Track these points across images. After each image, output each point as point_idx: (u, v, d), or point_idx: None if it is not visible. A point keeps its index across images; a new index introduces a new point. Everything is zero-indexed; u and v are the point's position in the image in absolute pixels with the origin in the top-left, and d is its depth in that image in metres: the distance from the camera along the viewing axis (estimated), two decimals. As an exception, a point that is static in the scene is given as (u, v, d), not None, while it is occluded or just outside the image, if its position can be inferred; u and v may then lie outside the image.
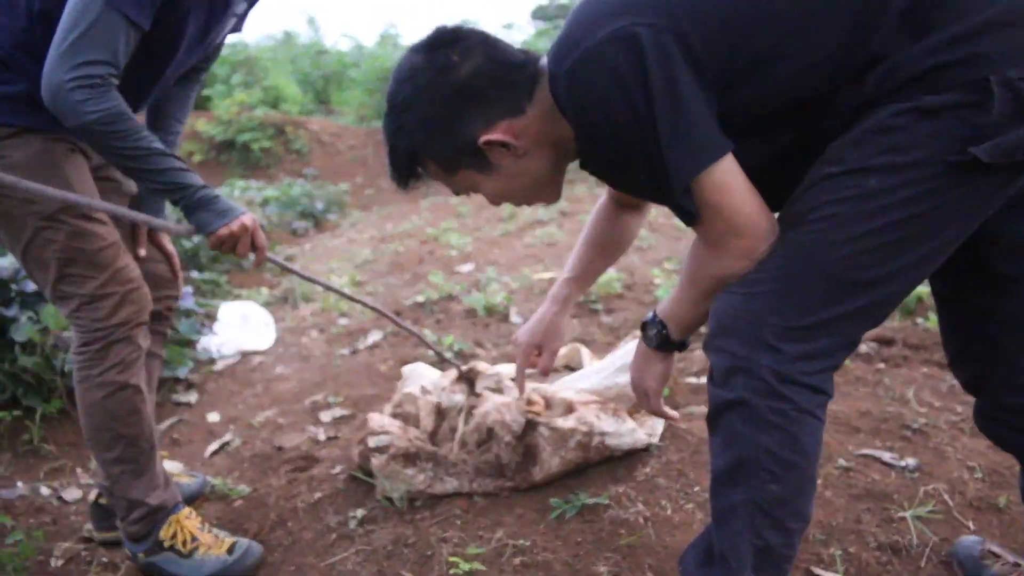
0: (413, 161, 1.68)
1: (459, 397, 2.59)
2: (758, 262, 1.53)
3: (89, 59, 1.80)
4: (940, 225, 1.45)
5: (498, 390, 2.55)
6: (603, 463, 2.40)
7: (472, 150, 1.62)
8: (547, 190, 1.76)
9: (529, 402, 2.42)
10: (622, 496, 2.24)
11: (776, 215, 1.56)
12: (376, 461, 2.41)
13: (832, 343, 1.50)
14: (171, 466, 2.83)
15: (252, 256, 2.14)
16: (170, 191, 1.97)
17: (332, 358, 4.06)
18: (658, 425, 2.49)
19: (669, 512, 2.18)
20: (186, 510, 2.38)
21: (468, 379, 2.61)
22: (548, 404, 2.48)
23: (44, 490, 2.84)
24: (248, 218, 2.05)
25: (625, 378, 2.48)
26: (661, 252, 5.28)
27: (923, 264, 1.49)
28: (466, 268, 5.44)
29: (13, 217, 2.05)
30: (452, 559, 2.04)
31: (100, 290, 2.09)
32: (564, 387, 2.57)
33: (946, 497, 2.20)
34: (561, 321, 2.19)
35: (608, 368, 2.57)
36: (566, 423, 2.34)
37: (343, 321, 4.70)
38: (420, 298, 4.64)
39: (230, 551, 2.31)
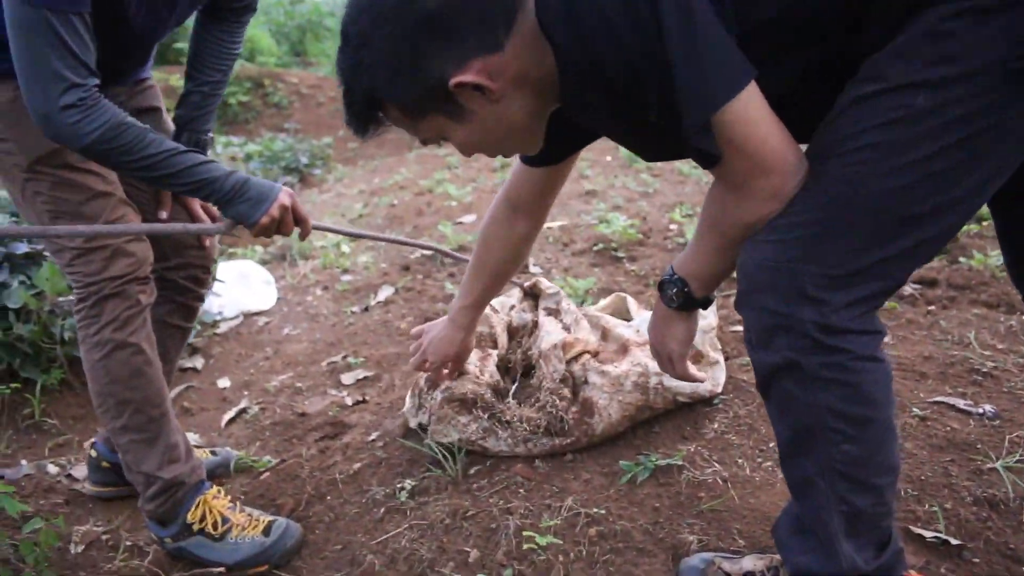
0: (372, 105, 1.42)
1: (528, 315, 2.51)
2: (787, 203, 1.35)
3: (65, 82, 1.71)
4: (1000, 146, 1.26)
5: (556, 311, 2.45)
6: (666, 419, 2.22)
7: (441, 94, 1.36)
8: (525, 139, 1.52)
9: (565, 345, 2.26)
10: (695, 456, 2.07)
11: (803, 148, 1.38)
12: (431, 403, 2.26)
13: (880, 287, 1.33)
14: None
15: (298, 231, 2.04)
16: (198, 189, 1.86)
17: (343, 316, 3.85)
18: (720, 375, 2.31)
19: (748, 472, 2.02)
20: (214, 489, 2.20)
21: (532, 294, 2.55)
22: (605, 335, 2.34)
23: (51, 468, 2.63)
24: (285, 196, 1.95)
25: None
26: (669, 197, 5.09)
27: (982, 190, 1.30)
28: (468, 219, 5.22)
29: (4, 169, 1.99)
30: (526, 533, 1.86)
31: (90, 243, 1.97)
32: (625, 325, 2.41)
33: (1033, 445, 2.04)
34: (470, 342, 2.21)
35: None
36: (618, 368, 2.18)
37: (347, 277, 4.48)
38: (428, 252, 4.42)
39: (266, 532, 2.13)
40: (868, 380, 1.33)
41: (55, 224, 1.95)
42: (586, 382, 2.18)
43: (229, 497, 2.23)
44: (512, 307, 2.59)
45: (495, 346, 2.48)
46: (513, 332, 2.54)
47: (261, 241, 5.72)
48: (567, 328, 2.38)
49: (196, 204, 2.34)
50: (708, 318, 2.34)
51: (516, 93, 1.39)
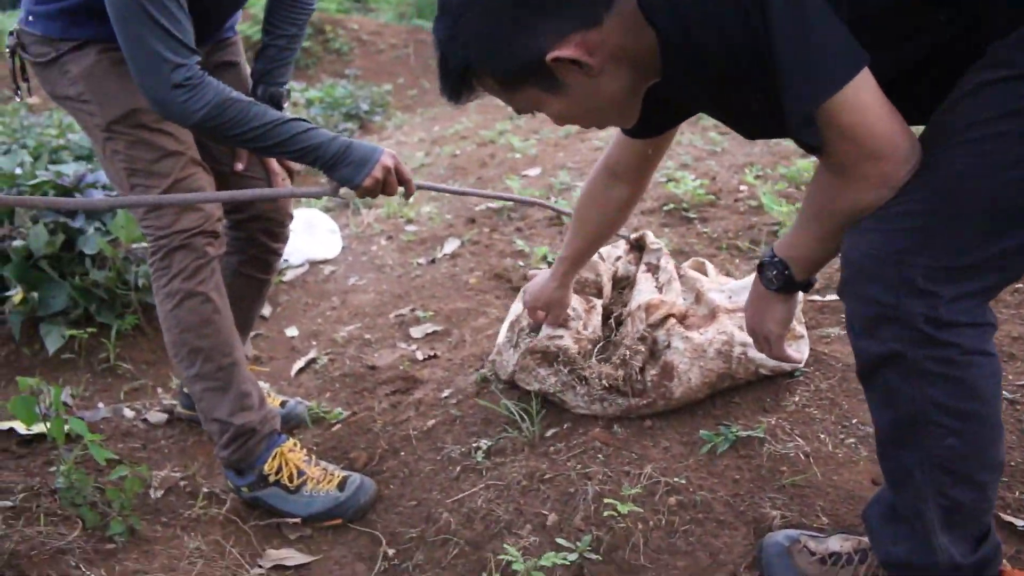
0: (467, 75, 1.39)
1: (632, 268, 2.51)
2: (898, 192, 1.29)
3: (169, 64, 1.80)
4: None
5: (656, 267, 2.44)
6: (747, 390, 2.19)
7: (537, 67, 1.33)
8: (622, 112, 1.49)
9: (650, 307, 2.23)
10: (776, 428, 2.03)
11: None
12: (514, 353, 2.30)
13: (994, 280, 1.28)
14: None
15: (402, 191, 2.10)
16: (303, 155, 1.94)
17: (408, 268, 3.84)
18: (804, 348, 2.27)
19: (830, 448, 1.98)
20: (290, 442, 2.23)
21: (638, 246, 2.57)
22: (697, 298, 2.32)
23: (128, 412, 2.67)
24: (388, 158, 2.00)
25: None
26: (738, 157, 4.98)
27: None
28: (533, 172, 5.17)
29: (87, 129, 2.09)
30: (606, 500, 1.85)
31: None
32: (718, 290, 2.37)
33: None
34: (565, 297, 2.24)
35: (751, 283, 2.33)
36: (703, 335, 2.15)
37: (411, 228, 4.47)
38: (494, 204, 4.39)
39: (341, 487, 2.15)
40: (976, 375, 1.28)
41: (131, 180, 2.05)
42: (668, 346, 2.15)
43: (305, 451, 2.25)
44: (618, 257, 2.60)
45: (599, 295, 2.48)
46: (617, 282, 2.55)
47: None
48: (660, 288, 2.36)
49: (272, 159, 2.37)
50: None
51: (613, 68, 1.36)
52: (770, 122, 1.29)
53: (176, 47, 1.80)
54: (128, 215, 2.95)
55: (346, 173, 1.96)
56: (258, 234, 2.41)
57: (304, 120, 1.96)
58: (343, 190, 2.03)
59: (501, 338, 2.44)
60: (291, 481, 2.15)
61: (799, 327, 2.28)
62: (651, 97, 1.48)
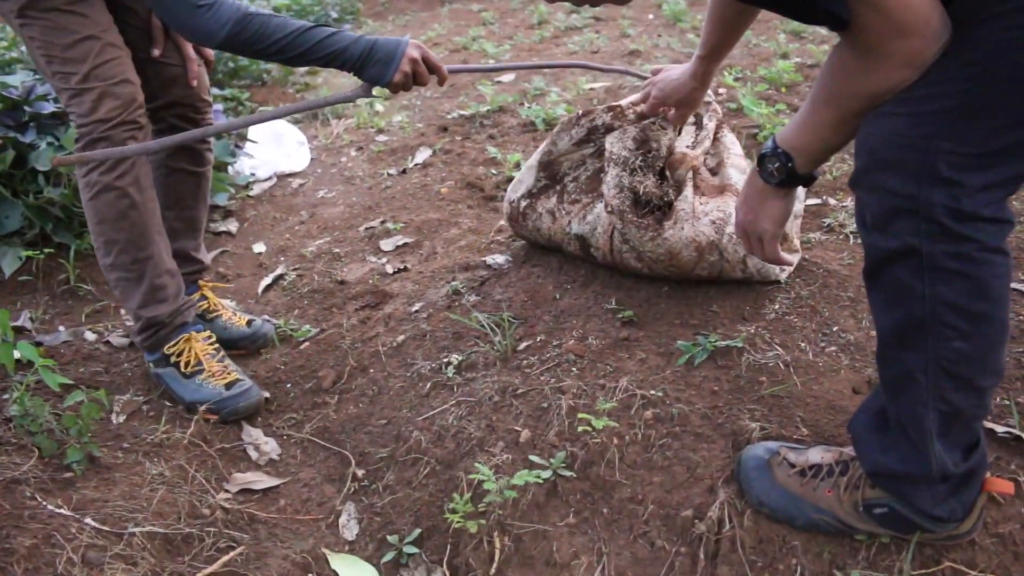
0: None
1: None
2: (924, 73, 1.19)
3: None
4: None
5: (701, 123, 2.42)
6: (725, 298, 2.12)
7: None
8: None
9: (672, 162, 2.24)
10: (755, 337, 1.97)
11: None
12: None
13: (1021, 169, 1.20)
14: (225, 304, 2.57)
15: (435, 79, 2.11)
16: (330, 61, 1.96)
17: (379, 179, 3.72)
18: (794, 259, 2.20)
19: (811, 356, 1.92)
20: (205, 333, 2.32)
21: None
22: (719, 167, 2.31)
23: (89, 335, 2.58)
24: (413, 49, 2.01)
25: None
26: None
27: None
28: (507, 78, 5.02)
29: (5, 18, 2.07)
30: (580, 415, 1.79)
31: (80, 84, 2.03)
32: (739, 167, 2.32)
33: (1108, 334, 1.92)
34: (699, 96, 2.16)
35: None
36: (703, 205, 2.15)
37: (382, 138, 4.33)
38: (466, 111, 4.25)
39: (229, 386, 2.21)
40: (992, 274, 1.22)
41: (50, 68, 2.04)
42: (679, 194, 2.17)
43: (215, 346, 2.30)
44: None
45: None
46: None
47: (290, 97, 5.57)
48: (694, 143, 2.35)
49: (188, 43, 2.32)
50: (799, 201, 2.24)
51: None
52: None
53: None
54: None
55: (375, 72, 1.98)
56: (177, 121, 2.36)
57: (324, 25, 1.97)
58: (375, 88, 2.04)
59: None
60: (187, 367, 2.23)
61: (796, 240, 2.22)
62: None
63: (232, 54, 2.06)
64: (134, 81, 2.10)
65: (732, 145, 2.36)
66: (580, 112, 2.38)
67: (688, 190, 2.15)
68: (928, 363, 1.28)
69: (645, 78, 2.52)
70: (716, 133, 2.38)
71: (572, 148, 2.39)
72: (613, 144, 2.22)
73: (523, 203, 2.41)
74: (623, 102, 2.39)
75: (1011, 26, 1.13)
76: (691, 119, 2.42)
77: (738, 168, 2.28)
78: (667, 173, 2.24)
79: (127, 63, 2.10)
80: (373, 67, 1.98)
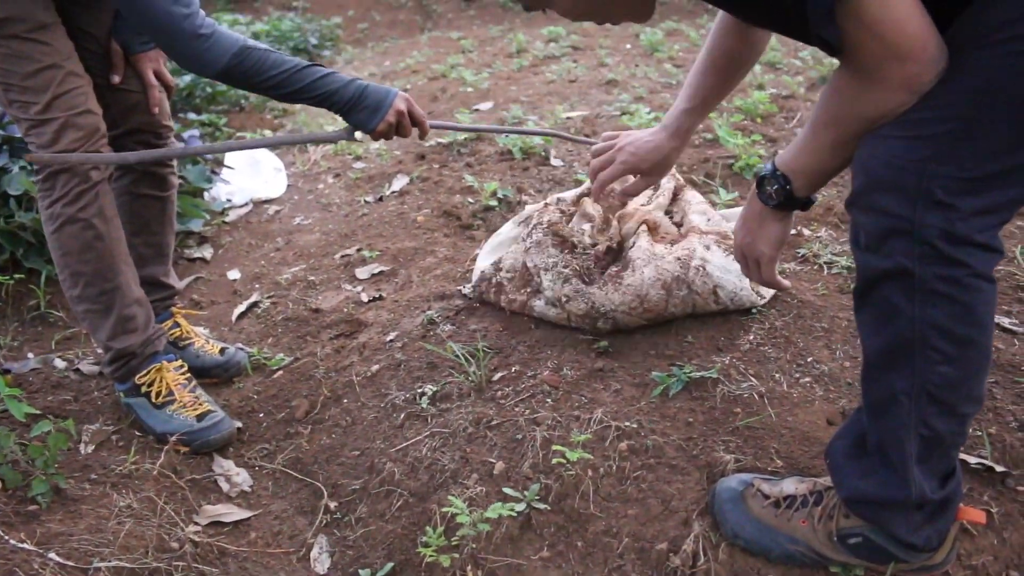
0: None
1: None
2: (922, 97, 1.21)
3: (181, 15, 1.84)
4: None
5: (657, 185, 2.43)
6: (700, 328, 2.12)
7: None
8: (635, 5, 1.43)
9: (622, 216, 2.27)
10: (730, 368, 1.97)
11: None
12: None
13: (1018, 193, 1.22)
14: (198, 331, 2.55)
15: (416, 131, 2.16)
16: (321, 101, 1.99)
17: (356, 206, 3.71)
18: (768, 291, 2.21)
19: (785, 387, 1.92)
20: (177, 362, 2.29)
21: None
22: (683, 219, 2.32)
23: (59, 363, 2.55)
24: (401, 101, 2.06)
25: None
26: (694, 87, 4.88)
27: None
28: (485, 106, 5.03)
29: None
30: (555, 447, 1.77)
31: (41, 115, 1.99)
32: (703, 213, 2.34)
33: (1080, 366, 1.94)
34: (677, 157, 1.96)
35: None
36: (666, 248, 2.17)
37: (359, 165, 4.32)
38: (444, 139, 4.26)
39: (200, 418, 2.18)
40: (980, 300, 1.24)
41: (7, 95, 2.00)
42: (633, 246, 2.18)
43: (187, 376, 2.28)
44: None
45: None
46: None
47: (267, 123, 5.56)
48: (648, 201, 2.37)
49: (148, 69, 2.29)
50: None
51: None
52: (795, 16, 1.22)
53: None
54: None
55: (361, 117, 2.03)
56: (138, 147, 2.33)
57: (320, 65, 2.00)
58: (358, 133, 2.09)
59: (509, 231, 2.49)
60: (158, 397, 2.20)
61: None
62: None
63: (226, 84, 2.04)
64: (96, 111, 2.07)
65: (694, 199, 2.40)
66: (527, 216, 2.45)
67: (643, 240, 2.16)
68: (913, 386, 1.29)
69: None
70: (677, 195, 2.42)
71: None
72: (533, 259, 2.26)
73: (483, 285, 2.43)
74: (568, 195, 2.45)
75: (1006, 53, 1.15)
76: None
77: (701, 213, 2.32)
78: (615, 223, 2.29)
79: (89, 92, 2.07)
80: (361, 112, 2.02)
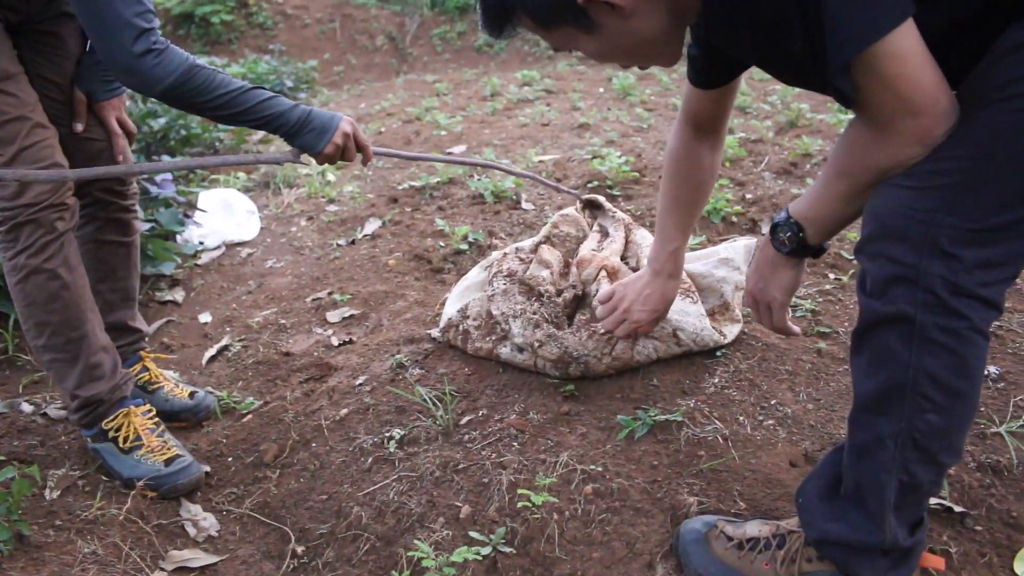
0: (506, 14, 1.42)
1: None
2: (933, 150, 1.25)
3: (135, 29, 1.80)
4: None
5: (606, 231, 2.51)
6: (665, 372, 2.15)
7: (571, 7, 1.34)
8: (660, 51, 1.46)
9: (581, 262, 2.32)
10: (695, 412, 2.00)
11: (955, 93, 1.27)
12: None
13: (1021, 248, 1.24)
14: (167, 375, 2.54)
15: (360, 157, 2.17)
16: (266, 123, 1.98)
17: (328, 249, 3.73)
18: (736, 330, 2.24)
19: (749, 430, 1.95)
20: (144, 407, 2.28)
21: (593, 204, 2.64)
22: (638, 262, 2.38)
23: (26, 407, 2.53)
24: (346, 124, 2.07)
25: (725, 272, 2.30)
26: (664, 133, 4.96)
27: None
28: (458, 149, 5.09)
29: None
30: (520, 490, 1.79)
31: (6, 167, 1.95)
32: None
33: (1038, 408, 1.97)
34: (677, 292, 2.06)
35: (711, 256, 2.38)
36: None
37: (333, 208, 4.35)
38: (416, 182, 4.29)
39: (168, 462, 2.17)
40: (974, 355, 1.27)
41: None
42: (596, 293, 2.20)
43: (155, 421, 2.27)
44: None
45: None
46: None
47: (242, 167, 5.57)
48: (601, 246, 2.42)
49: (112, 117, 2.28)
50: (744, 271, 2.34)
51: (648, 9, 1.36)
52: (811, 68, 1.26)
53: (143, 12, 1.81)
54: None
55: (308, 140, 2.03)
56: (102, 194, 2.32)
57: (264, 88, 1.99)
58: (303, 156, 2.08)
59: (476, 276, 2.54)
60: (125, 442, 2.19)
61: (739, 310, 2.27)
62: (706, 46, 1.53)
63: (168, 104, 2.02)
64: (63, 163, 2.05)
65: (644, 242, 2.45)
66: (491, 264, 2.50)
67: (604, 285, 2.19)
68: (900, 431, 1.31)
69: (557, 188, 2.84)
70: (628, 236, 2.47)
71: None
72: (499, 306, 2.30)
73: (450, 331, 2.46)
74: (527, 244, 2.52)
75: (1010, 110, 1.18)
76: (595, 228, 2.52)
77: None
78: (575, 270, 2.33)
79: (55, 144, 2.05)
80: (307, 135, 2.02)
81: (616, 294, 2.03)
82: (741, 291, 2.35)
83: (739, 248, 2.35)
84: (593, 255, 2.29)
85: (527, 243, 2.51)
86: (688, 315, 2.14)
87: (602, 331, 2.10)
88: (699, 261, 2.38)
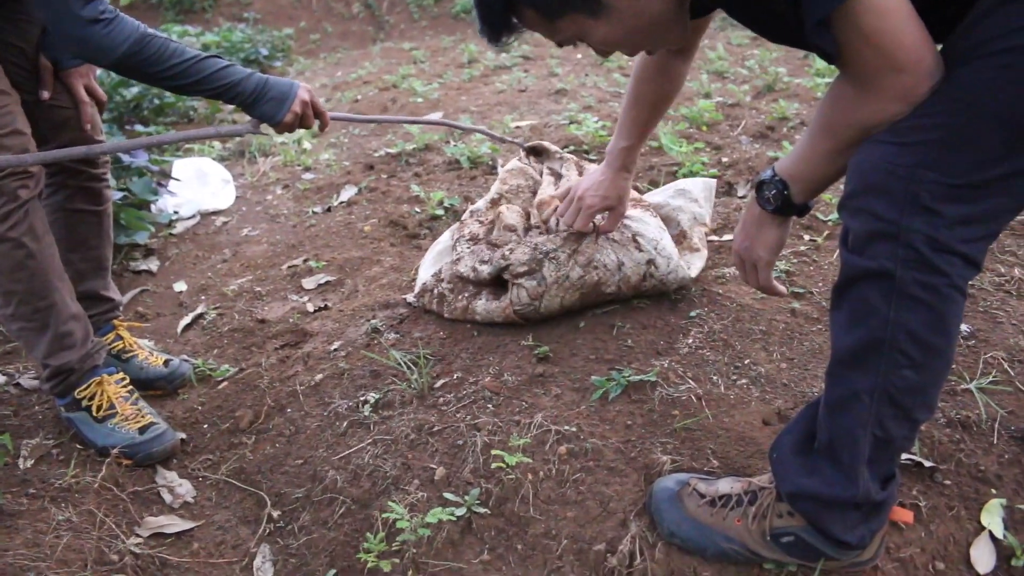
0: (509, 9, 1.41)
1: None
2: (917, 106, 1.24)
3: None
4: None
5: (559, 174, 2.50)
6: (639, 333, 2.15)
7: None
8: (670, 30, 1.46)
9: (540, 204, 2.34)
10: (668, 372, 2.00)
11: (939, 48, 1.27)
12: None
13: (1000, 204, 1.24)
14: (142, 343, 2.53)
15: (318, 123, 2.17)
16: (222, 93, 1.96)
17: (304, 217, 3.71)
18: (699, 263, 2.28)
19: (722, 389, 1.96)
20: (118, 375, 2.27)
21: (536, 151, 2.64)
22: None
23: None
24: (304, 92, 2.07)
25: (681, 202, 2.36)
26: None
27: None
28: (435, 116, 5.05)
29: None
30: (494, 451, 1.79)
31: None
32: None
33: (1006, 366, 1.99)
34: (629, 188, 2.16)
35: (667, 190, 2.44)
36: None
37: (308, 176, 4.33)
38: (392, 149, 4.27)
39: (143, 431, 2.17)
40: (952, 311, 1.27)
41: None
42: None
43: (129, 389, 2.27)
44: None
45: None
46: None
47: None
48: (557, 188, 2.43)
49: (79, 85, 2.25)
50: (704, 208, 2.42)
51: None
52: (796, 26, 1.25)
53: None
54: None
55: (267, 109, 2.01)
56: (71, 163, 2.29)
57: (220, 57, 1.97)
58: (263, 126, 2.06)
59: (448, 239, 2.54)
60: (99, 411, 2.18)
61: (699, 241, 2.31)
62: None
63: (120, 75, 1.96)
64: (24, 130, 2.00)
65: (591, 169, 2.46)
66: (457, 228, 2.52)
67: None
68: (876, 386, 1.32)
69: (502, 139, 2.81)
70: (580, 173, 2.48)
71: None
72: (467, 263, 2.33)
73: (425, 296, 2.46)
74: (481, 204, 2.54)
75: (992, 67, 1.18)
76: (547, 172, 2.52)
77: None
78: (535, 212, 2.36)
79: (17, 110, 2.00)
80: (266, 104, 2.01)
81: (572, 190, 2.14)
82: (700, 224, 2.38)
83: (698, 183, 2.43)
84: (551, 197, 2.30)
85: (480, 204, 2.51)
86: (647, 224, 2.22)
87: (563, 227, 2.18)
88: (657, 194, 2.45)
